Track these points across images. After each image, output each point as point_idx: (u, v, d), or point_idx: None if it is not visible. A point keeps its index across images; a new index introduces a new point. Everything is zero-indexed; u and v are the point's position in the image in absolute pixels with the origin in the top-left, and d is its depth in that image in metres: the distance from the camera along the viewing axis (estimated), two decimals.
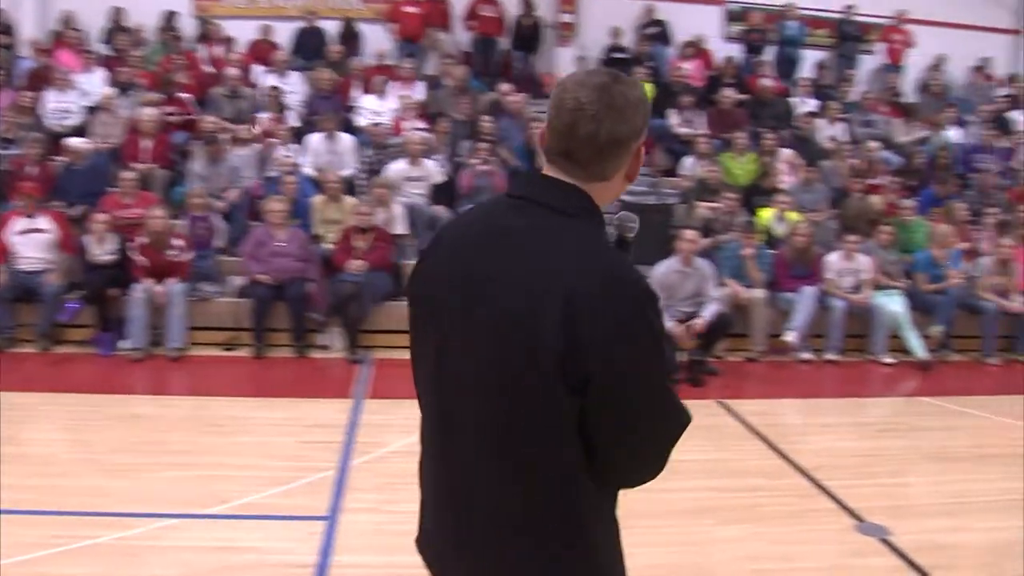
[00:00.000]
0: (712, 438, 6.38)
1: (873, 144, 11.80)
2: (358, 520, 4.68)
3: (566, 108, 1.71)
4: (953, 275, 9.61)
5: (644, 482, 1.82)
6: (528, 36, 13.44)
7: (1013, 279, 9.63)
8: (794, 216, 10.04)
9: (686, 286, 8.18)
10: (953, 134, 12.93)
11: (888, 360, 9.07)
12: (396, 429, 6.21)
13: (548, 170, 1.80)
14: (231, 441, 5.83)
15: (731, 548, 4.56)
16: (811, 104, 13.17)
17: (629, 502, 5.39)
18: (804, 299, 9.05)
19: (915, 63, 15.00)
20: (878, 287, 9.41)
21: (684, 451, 6.16)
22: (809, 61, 14.58)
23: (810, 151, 11.77)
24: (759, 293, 9.09)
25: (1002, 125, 13.42)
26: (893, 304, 9.25)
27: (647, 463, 1.78)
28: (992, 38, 15.72)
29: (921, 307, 9.37)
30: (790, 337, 8.97)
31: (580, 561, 1.76)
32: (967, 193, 11.42)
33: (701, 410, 7.08)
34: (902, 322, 9.21)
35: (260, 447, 5.74)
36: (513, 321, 1.65)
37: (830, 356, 9.10)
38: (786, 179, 11.15)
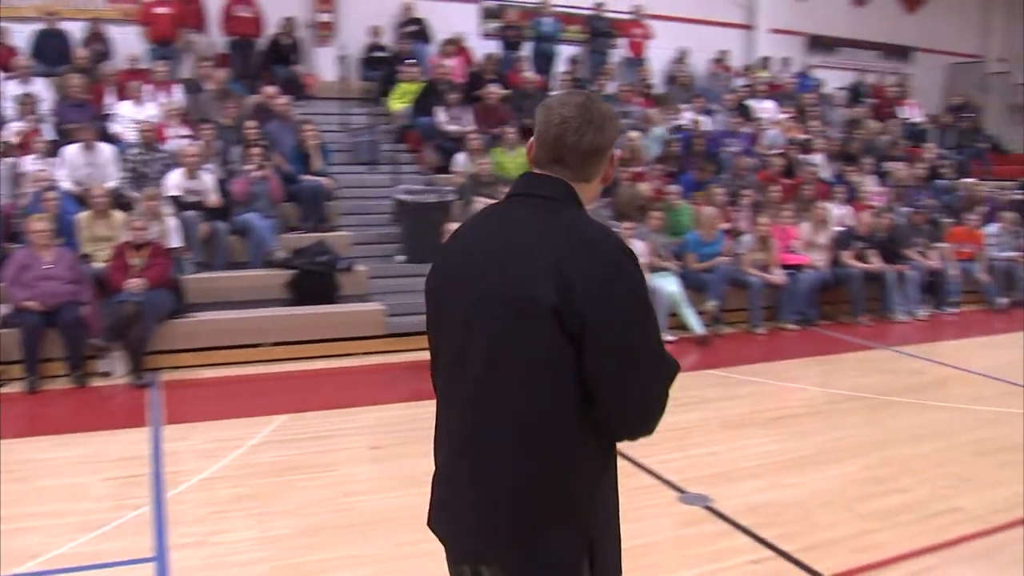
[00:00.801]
0: None
1: (634, 134, 12.36)
2: (189, 556, 4.38)
3: (553, 123, 2.05)
4: (720, 254, 10.27)
5: (643, 431, 2.02)
6: (286, 53, 13.06)
7: (772, 254, 10.41)
8: None
9: None
10: (702, 121, 13.78)
11: (670, 338, 9.54)
12: (202, 454, 5.92)
13: (532, 171, 2.13)
14: (27, 488, 5.25)
15: None
16: None
17: None
18: None
19: (659, 56, 15.93)
20: (654, 270, 9.87)
21: None
22: (563, 56, 15.10)
23: None
24: None
25: (744, 112, 14.46)
26: (669, 285, 9.75)
27: (643, 409, 1.99)
28: (727, 32, 17.00)
29: (694, 285, 9.95)
30: None
31: (582, 530, 2.00)
32: (722, 176, 12.21)
33: None
34: (679, 301, 9.74)
35: (62, 490, 5.22)
36: (514, 289, 1.92)
37: None
38: None
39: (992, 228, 12.29)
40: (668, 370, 2.01)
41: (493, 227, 2.08)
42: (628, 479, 5.39)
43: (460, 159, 11.33)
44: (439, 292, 2.14)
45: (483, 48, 14.55)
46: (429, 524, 2.21)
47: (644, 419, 2.00)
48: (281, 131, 10.83)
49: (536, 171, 2.10)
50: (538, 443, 1.94)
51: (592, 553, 2.01)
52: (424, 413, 6.81)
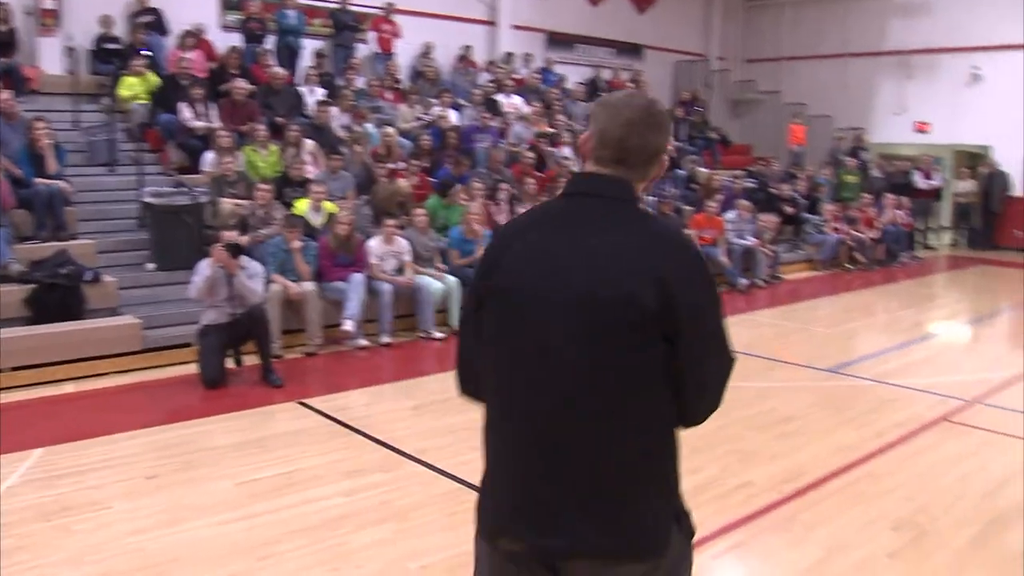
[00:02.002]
0: (313, 441, 6.26)
1: (389, 129, 12.23)
2: None
3: (618, 124, 2.09)
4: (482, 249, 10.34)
5: (706, 417, 2.14)
6: (4, 43, 11.84)
7: None
8: (330, 206, 10.08)
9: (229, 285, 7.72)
10: (452, 116, 13.85)
11: (439, 334, 9.54)
12: None
13: (593, 170, 2.14)
14: None
15: (384, 552, 4.49)
16: (319, 93, 13.31)
17: (257, 529, 4.98)
18: (353, 287, 9.16)
19: (404, 51, 15.93)
20: (418, 270, 9.81)
21: (294, 460, 5.94)
22: (308, 50, 14.74)
23: (328, 140, 11.90)
24: (309, 286, 9.02)
25: (492, 107, 14.68)
26: (435, 283, 9.72)
27: (717, 395, 2.13)
28: (471, 27, 17.24)
29: (460, 280, 9.93)
30: (345, 326, 9.03)
31: (670, 501, 2.10)
32: (478, 171, 12.32)
33: (285, 414, 6.92)
34: (449, 297, 9.73)
35: None
36: (610, 291, 1.96)
37: (385, 339, 9.33)
38: (312, 169, 11.17)
39: (730, 215, 13.23)
40: (734, 358, 2.14)
41: (567, 227, 2.09)
42: (429, 486, 5.40)
43: (209, 158, 10.76)
44: (502, 295, 2.12)
45: (224, 41, 13.95)
46: (496, 534, 2.13)
47: (715, 405, 2.14)
48: (5, 130, 9.83)
49: (598, 170, 2.13)
50: (639, 434, 2.02)
51: (679, 520, 2.12)
52: (198, 433, 6.50)
